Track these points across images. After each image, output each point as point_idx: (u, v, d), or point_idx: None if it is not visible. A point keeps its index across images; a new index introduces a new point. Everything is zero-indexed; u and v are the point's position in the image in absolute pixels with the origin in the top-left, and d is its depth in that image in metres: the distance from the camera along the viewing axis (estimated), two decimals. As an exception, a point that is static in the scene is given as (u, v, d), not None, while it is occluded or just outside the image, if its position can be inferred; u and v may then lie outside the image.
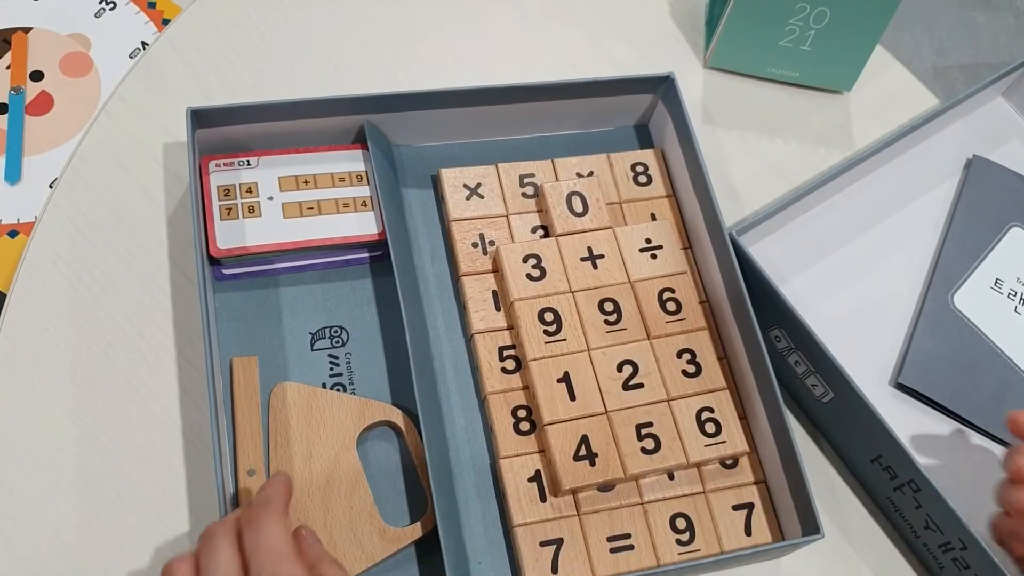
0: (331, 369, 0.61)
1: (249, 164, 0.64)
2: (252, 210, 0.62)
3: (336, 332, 0.62)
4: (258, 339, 0.61)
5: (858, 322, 0.69)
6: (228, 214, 0.62)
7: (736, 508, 0.60)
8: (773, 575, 0.61)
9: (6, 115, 0.96)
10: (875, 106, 0.79)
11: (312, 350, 0.61)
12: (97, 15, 1.02)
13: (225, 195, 0.62)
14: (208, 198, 0.62)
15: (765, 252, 0.70)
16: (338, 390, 0.60)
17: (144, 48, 0.87)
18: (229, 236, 0.61)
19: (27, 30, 1.00)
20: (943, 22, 1.82)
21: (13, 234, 0.92)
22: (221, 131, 0.63)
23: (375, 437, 0.59)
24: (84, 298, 0.62)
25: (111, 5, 1.03)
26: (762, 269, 0.62)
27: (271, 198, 0.63)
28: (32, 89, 0.98)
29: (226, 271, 0.62)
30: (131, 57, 0.97)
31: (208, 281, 0.59)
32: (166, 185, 0.67)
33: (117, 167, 0.67)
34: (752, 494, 0.60)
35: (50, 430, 0.59)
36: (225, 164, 0.63)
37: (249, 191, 0.63)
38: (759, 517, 0.60)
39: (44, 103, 0.98)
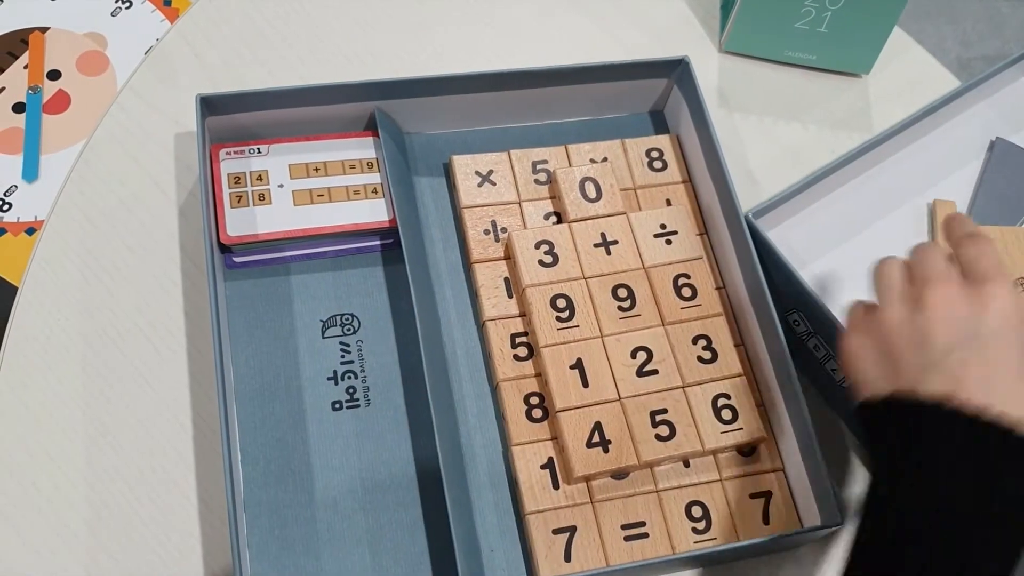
0: (342, 357, 0.60)
1: (260, 152, 0.63)
2: (262, 197, 0.62)
3: (347, 320, 0.61)
4: (269, 327, 0.61)
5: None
6: (238, 202, 0.61)
7: (753, 496, 0.58)
8: (793, 566, 0.59)
9: (24, 114, 0.97)
10: (895, 89, 0.77)
11: (323, 338, 0.61)
12: (113, 14, 1.03)
13: (235, 183, 0.62)
14: (218, 186, 0.62)
15: (783, 236, 0.69)
16: (349, 378, 0.60)
17: (158, 44, 0.87)
18: (240, 223, 0.61)
19: (44, 30, 1.00)
20: (968, 13, 1.79)
21: (31, 231, 0.92)
22: (231, 119, 0.63)
23: (386, 431, 0.59)
24: (95, 288, 0.62)
25: (127, 4, 1.04)
26: (780, 252, 0.61)
27: (281, 185, 0.62)
28: (49, 88, 0.98)
29: (237, 259, 0.61)
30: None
31: (217, 268, 0.59)
32: (177, 176, 0.67)
33: (128, 158, 0.67)
34: (770, 482, 0.59)
35: (61, 420, 0.58)
36: (235, 152, 0.63)
37: (259, 179, 0.62)
38: (777, 506, 0.58)
39: (61, 102, 0.98)
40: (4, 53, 1.01)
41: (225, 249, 0.61)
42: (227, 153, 0.63)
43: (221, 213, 0.61)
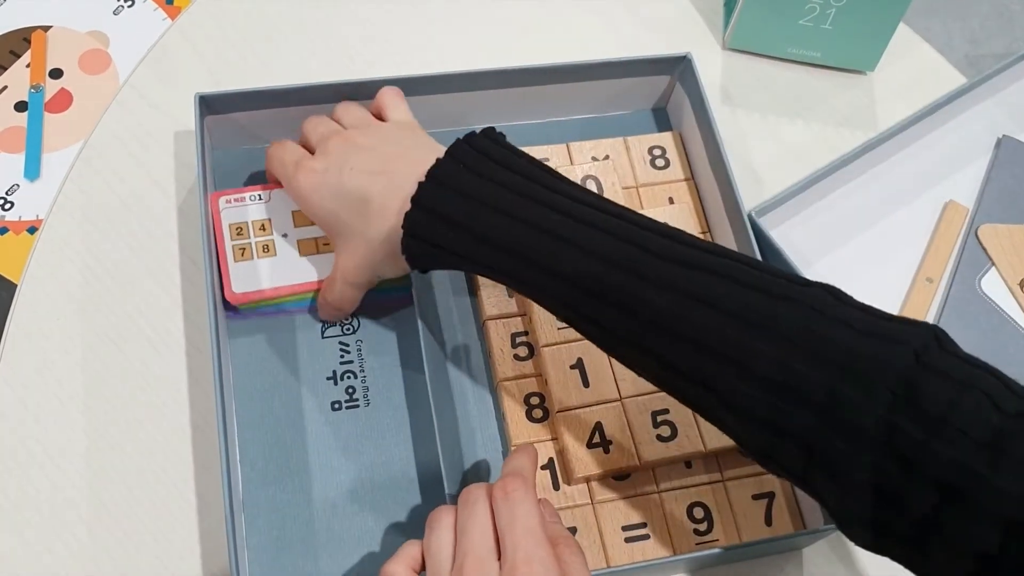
0: (342, 357, 0.60)
1: (261, 198, 0.61)
2: (267, 249, 0.60)
3: (346, 320, 0.61)
4: (268, 326, 0.60)
5: (883, 306, 0.67)
6: (242, 255, 0.59)
7: (756, 497, 0.58)
8: (796, 566, 0.59)
9: (26, 112, 0.96)
10: (900, 87, 0.76)
11: (322, 337, 0.60)
12: (116, 12, 1.03)
13: (238, 234, 0.60)
14: (220, 238, 0.60)
15: (787, 235, 0.68)
16: (348, 378, 0.59)
17: (160, 42, 0.87)
18: (244, 279, 0.59)
19: (46, 28, 1.00)
20: (976, 10, 1.78)
21: (32, 230, 0.92)
22: (230, 118, 0.63)
23: (386, 431, 0.58)
24: (94, 287, 0.62)
25: (130, 2, 1.03)
26: (783, 251, 0.61)
27: (285, 235, 0.61)
28: (51, 87, 0.98)
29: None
30: (149, 53, 0.97)
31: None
32: (176, 174, 0.66)
33: (128, 157, 0.67)
34: (773, 483, 0.58)
35: (60, 419, 0.58)
36: (236, 200, 0.61)
37: (263, 228, 0.60)
38: (780, 507, 0.58)
39: (63, 100, 0.98)
40: (6, 52, 1.00)
41: (229, 307, 0.60)
42: (227, 202, 0.61)
43: (224, 269, 0.59)
